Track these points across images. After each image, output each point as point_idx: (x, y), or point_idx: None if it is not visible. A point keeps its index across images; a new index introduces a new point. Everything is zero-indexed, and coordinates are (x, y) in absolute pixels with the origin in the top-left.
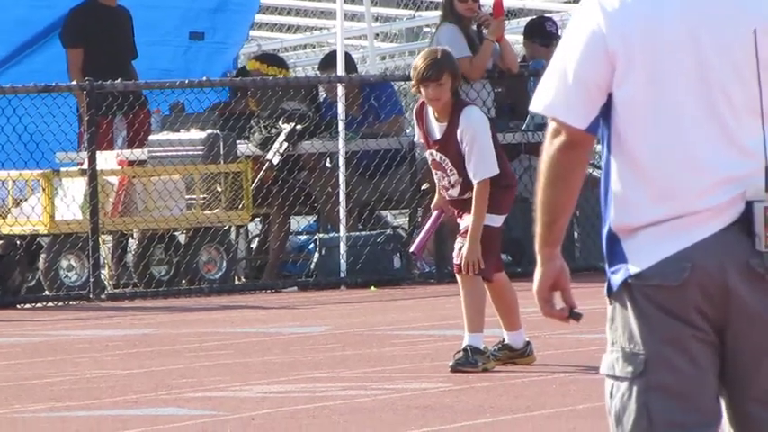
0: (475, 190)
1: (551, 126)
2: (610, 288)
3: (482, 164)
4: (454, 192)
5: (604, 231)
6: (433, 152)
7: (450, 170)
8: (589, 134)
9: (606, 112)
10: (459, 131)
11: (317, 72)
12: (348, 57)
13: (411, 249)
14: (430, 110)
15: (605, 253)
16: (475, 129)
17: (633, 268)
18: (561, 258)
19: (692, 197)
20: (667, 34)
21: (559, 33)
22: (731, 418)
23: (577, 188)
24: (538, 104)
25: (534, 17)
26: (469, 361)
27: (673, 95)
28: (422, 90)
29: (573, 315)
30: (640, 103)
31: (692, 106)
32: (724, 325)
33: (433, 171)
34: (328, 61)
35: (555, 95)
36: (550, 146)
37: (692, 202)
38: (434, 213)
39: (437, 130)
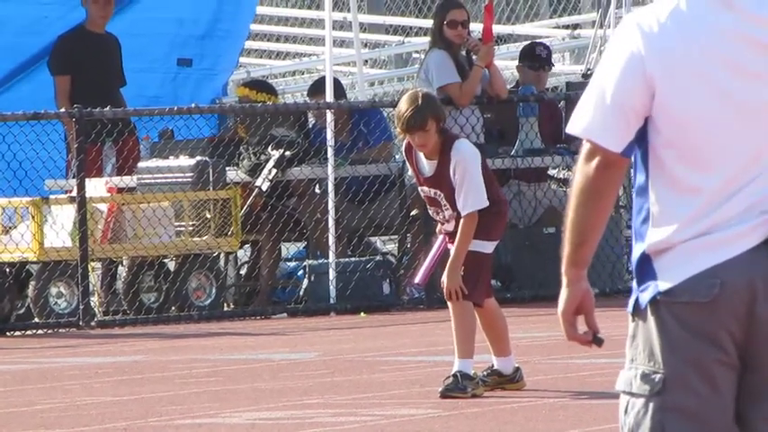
0: (462, 221)
1: (586, 147)
2: (636, 306)
3: (472, 197)
4: (449, 226)
5: (637, 251)
6: (425, 188)
7: (445, 205)
8: (624, 157)
9: (641, 133)
10: (451, 166)
11: (306, 98)
12: (337, 83)
13: (416, 281)
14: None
15: (635, 272)
16: (466, 162)
17: (663, 285)
18: (587, 281)
19: (725, 216)
20: (706, 56)
21: (551, 59)
22: None
23: (609, 210)
24: (575, 127)
25: (528, 42)
26: (459, 387)
27: (710, 118)
28: (407, 136)
29: (596, 340)
30: (678, 125)
31: (729, 129)
32: (747, 343)
33: (428, 206)
34: (317, 87)
35: (592, 118)
36: (586, 167)
37: (725, 221)
38: (440, 238)
39: (428, 167)
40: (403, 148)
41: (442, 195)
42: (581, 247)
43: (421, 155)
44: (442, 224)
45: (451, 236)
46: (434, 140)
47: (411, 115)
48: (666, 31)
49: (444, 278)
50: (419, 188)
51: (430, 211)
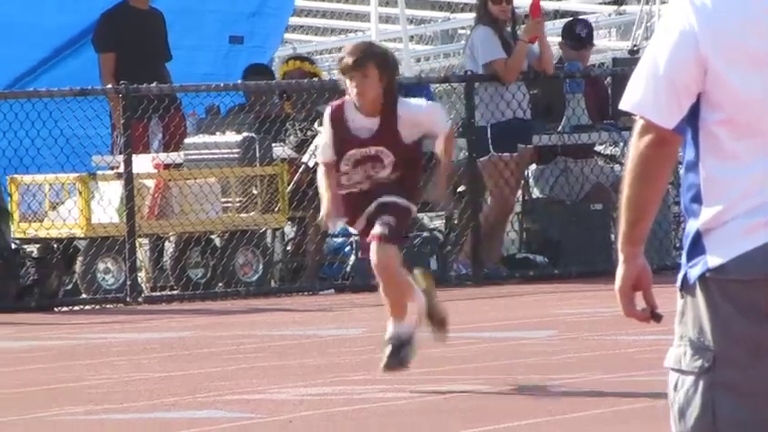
0: (445, 137)
1: (640, 123)
2: (684, 282)
3: (438, 114)
4: (384, 173)
5: (690, 227)
6: (363, 150)
7: (387, 157)
8: (677, 134)
9: (692, 110)
10: (401, 121)
11: None
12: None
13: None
14: (351, 111)
15: (685, 247)
16: (410, 104)
17: (713, 261)
18: (644, 257)
19: None
20: (761, 32)
21: (592, 36)
22: None
23: (665, 186)
24: (626, 102)
25: (571, 18)
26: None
27: (764, 94)
28: (347, 83)
29: (654, 316)
30: (732, 102)
31: None
32: None
33: (352, 168)
34: None
35: (643, 94)
36: (639, 142)
37: None
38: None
39: (368, 126)
40: (329, 114)
41: (385, 149)
42: (637, 224)
43: (357, 117)
44: (360, 183)
45: (379, 185)
46: (374, 93)
47: (350, 53)
48: (720, 7)
49: (431, 190)
50: (347, 153)
51: (352, 175)
